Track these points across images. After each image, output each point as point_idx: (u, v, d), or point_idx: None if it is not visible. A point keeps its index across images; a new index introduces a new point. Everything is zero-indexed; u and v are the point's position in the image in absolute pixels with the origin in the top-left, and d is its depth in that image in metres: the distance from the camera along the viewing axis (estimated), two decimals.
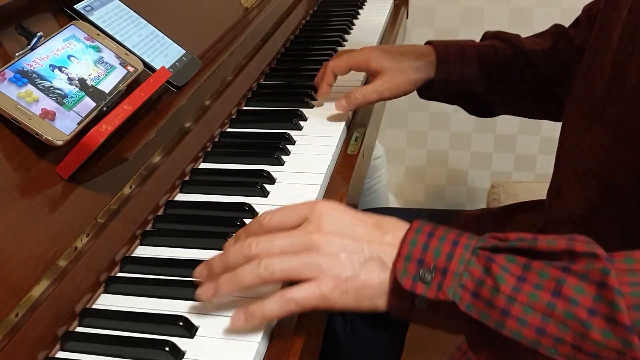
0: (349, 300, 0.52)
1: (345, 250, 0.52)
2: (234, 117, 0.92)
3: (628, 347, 0.44)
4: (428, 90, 0.92)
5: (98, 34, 0.72)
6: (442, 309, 0.50)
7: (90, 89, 0.66)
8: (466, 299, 0.49)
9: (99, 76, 0.68)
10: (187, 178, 0.78)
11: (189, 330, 0.55)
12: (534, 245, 0.49)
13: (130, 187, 0.67)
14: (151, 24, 0.81)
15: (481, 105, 0.96)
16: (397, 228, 0.54)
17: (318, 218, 0.54)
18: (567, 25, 0.93)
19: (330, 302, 0.52)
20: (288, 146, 0.83)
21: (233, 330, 0.54)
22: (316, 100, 0.95)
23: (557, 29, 0.93)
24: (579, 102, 0.72)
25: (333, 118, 0.89)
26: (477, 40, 0.96)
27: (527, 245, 0.49)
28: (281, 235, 0.54)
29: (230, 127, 0.90)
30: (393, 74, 0.87)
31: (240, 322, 0.53)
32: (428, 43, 0.93)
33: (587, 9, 0.90)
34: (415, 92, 0.94)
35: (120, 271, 0.64)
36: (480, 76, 0.91)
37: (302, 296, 0.52)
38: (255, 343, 0.53)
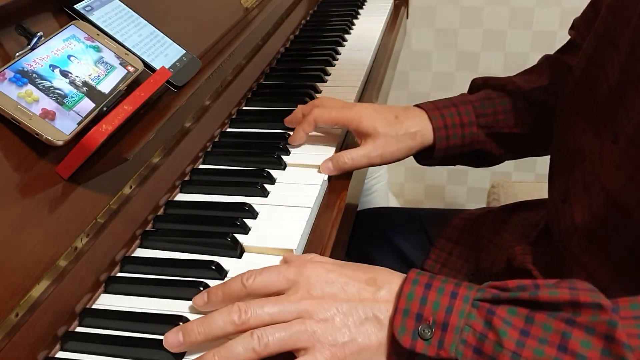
0: None
1: (339, 314, 0.50)
2: (234, 117, 0.92)
3: None
4: (427, 158, 0.86)
5: (98, 34, 0.72)
6: None
7: (91, 89, 0.66)
8: (469, 356, 0.47)
9: (99, 76, 0.68)
10: (187, 178, 0.78)
11: None
12: (535, 296, 0.47)
13: (130, 187, 0.67)
14: (151, 24, 0.81)
15: (487, 159, 0.91)
16: (391, 281, 0.52)
17: (307, 282, 0.52)
18: (567, 27, 0.91)
19: None
20: (288, 146, 0.82)
21: None
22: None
23: (550, 61, 0.89)
24: (584, 109, 0.71)
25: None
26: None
27: (529, 296, 0.47)
28: (271, 301, 0.51)
29: (230, 127, 0.90)
30: (387, 140, 0.79)
31: None
32: (418, 106, 0.85)
33: (579, 24, 0.86)
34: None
35: (120, 271, 0.64)
36: (481, 134, 0.85)
37: None
38: None
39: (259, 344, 0.49)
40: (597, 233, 0.65)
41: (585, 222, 0.67)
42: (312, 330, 0.49)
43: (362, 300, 0.51)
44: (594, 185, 0.66)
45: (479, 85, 0.90)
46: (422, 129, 0.82)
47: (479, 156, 0.89)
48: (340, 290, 0.51)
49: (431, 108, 0.83)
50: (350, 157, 0.77)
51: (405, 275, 0.52)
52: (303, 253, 0.65)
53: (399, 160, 0.82)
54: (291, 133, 0.85)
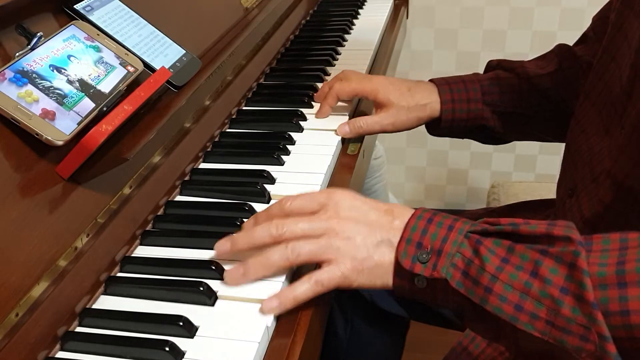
0: (365, 278, 0.58)
1: (360, 234, 0.58)
2: (234, 117, 0.92)
3: (593, 322, 0.48)
4: (436, 129, 0.93)
5: (98, 34, 0.72)
6: (438, 286, 0.56)
7: (90, 89, 0.66)
8: (457, 277, 0.54)
9: (99, 76, 0.68)
10: (187, 178, 0.78)
11: (189, 330, 0.55)
12: (516, 229, 0.54)
13: (130, 187, 0.67)
14: (151, 24, 0.81)
15: (492, 137, 0.96)
16: (405, 214, 0.59)
17: (335, 205, 0.60)
18: (567, 27, 0.92)
19: (349, 280, 0.58)
20: (288, 146, 0.83)
21: (270, 312, 0.57)
22: (306, 121, 0.91)
23: (561, 48, 0.92)
24: (598, 104, 0.72)
25: (333, 121, 0.89)
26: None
27: (511, 229, 0.54)
28: (304, 219, 0.60)
29: (230, 127, 0.90)
30: (398, 110, 0.88)
31: (274, 306, 0.57)
32: (431, 81, 0.93)
33: (597, 19, 0.89)
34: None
35: (120, 271, 0.64)
36: (486, 110, 0.91)
37: (326, 277, 0.57)
38: (255, 343, 0.53)
39: (292, 253, 0.58)
40: (604, 222, 0.66)
41: (593, 212, 0.67)
42: (337, 245, 0.58)
43: (380, 226, 0.59)
44: (602, 175, 0.67)
45: (493, 66, 0.95)
46: (431, 102, 0.90)
47: (483, 132, 0.94)
48: (363, 215, 0.60)
49: (442, 83, 0.91)
50: (366, 122, 0.87)
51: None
52: None
53: (409, 129, 0.91)
54: (291, 133, 0.85)
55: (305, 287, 0.57)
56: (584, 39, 0.92)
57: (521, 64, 0.92)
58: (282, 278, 0.60)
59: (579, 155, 0.74)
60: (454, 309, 0.57)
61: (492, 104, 0.91)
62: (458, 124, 0.91)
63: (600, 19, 0.88)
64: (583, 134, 0.75)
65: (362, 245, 0.58)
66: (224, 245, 0.61)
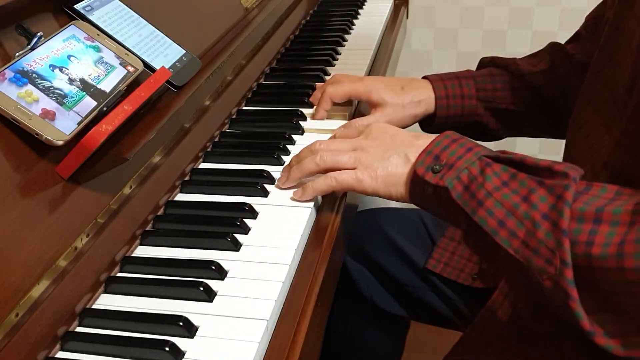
0: (378, 185, 0.68)
1: (380, 148, 0.69)
2: (234, 117, 0.92)
3: (559, 247, 0.52)
4: (430, 125, 0.94)
5: (98, 34, 0.72)
6: (442, 196, 0.62)
7: (90, 89, 0.66)
8: (458, 189, 0.60)
9: (99, 76, 0.68)
10: (187, 178, 0.78)
11: (189, 330, 0.55)
12: (523, 159, 0.59)
13: (130, 187, 0.67)
14: (151, 24, 0.81)
15: (485, 132, 0.97)
16: (431, 137, 0.66)
17: (369, 129, 0.72)
18: (567, 27, 0.93)
19: (362, 184, 0.68)
20: (288, 146, 0.83)
21: (294, 199, 0.71)
22: (306, 121, 0.91)
23: (553, 47, 0.93)
24: (595, 103, 0.72)
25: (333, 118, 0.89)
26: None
27: (519, 159, 0.59)
28: (339, 139, 0.74)
29: (230, 127, 0.90)
30: (394, 108, 0.89)
31: (298, 194, 0.71)
32: (425, 78, 0.93)
33: (589, 19, 0.90)
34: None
35: (120, 271, 0.64)
36: (479, 107, 0.92)
37: (341, 176, 0.69)
38: (255, 343, 0.53)
39: (320, 160, 0.70)
40: None
41: None
42: (359, 158, 0.69)
43: (402, 142, 0.69)
44: (603, 169, 0.67)
45: (485, 63, 0.97)
46: (425, 98, 0.91)
47: (477, 128, 0.96)
48: (390, 136, 0.70)
49: (436, 79, 0.93)
50: (360, 123, 0.87)
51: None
52: (304, 253, 0.65)
53: (405, 127, 0.91)
54: (291, 133, 0.85)
55: (322, 181, 0.69)
56: (576, 37, 0.92)
57: (514, 61, 0.93)
58: (283, 277, 0.60)
59: (578, 154, 0.74)
60: (452, 222, 0.63)
61: (486, 100, 0.92)
62: (453, 119, 0.92)
63: (593, 18, 0.88)
64: (581, 133, 0.75)
65: (380, 157, 0.68)
66: (283, 168, 0.75)
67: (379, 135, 0.71)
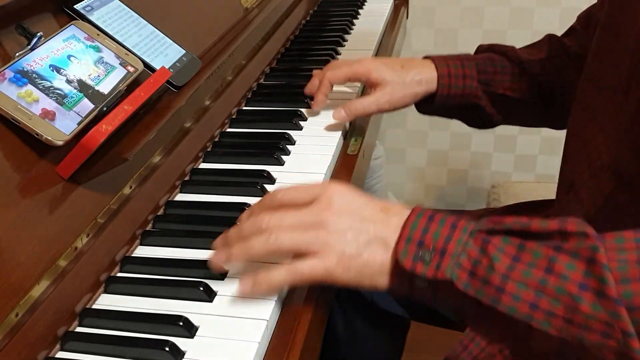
0: (351, 276, 0.55)
1: (351, 229, 0.55)
2: (234, 117, 0.92)
3: (616, 318, 0.47)
4: (427, 105, 0.92)
5: (98, 34, 0.72)
6: (441, 287, 0.53)
7: (90, 89, 0.66)
8: (463, 278, 0.51)
9: (99, 76, 0.68)
10: (187, 178, 0.78)
11: (189, 330, 0.55)
12: (527, 227, 0.51)
13: (130, 187, 0.67)
14: (151, 24, 0.81)
15: (481, 117, 0.96)
16: (403, 213, 0.56)
17: (329, 198, 0.57)
18: (567, 27, 0.94)
19: (333, 276, 0.55)
20: (288, 146, 0.83)
21: (243, 294, 0.57)
22: (311, 108, 0.93)
23: (551, 38, 0.94)
24: (587, 101, 0.72)
25: (331, 127, 0.88)
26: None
27: (521, 227, 0.52)
28: (293, 211, 0.57)
29: (230, 127, 0.90)
30: (394, 87, 0.87)
31: (248, 288, 0.57)
32: (426, 57, 0.92)
33: (581, 17, 0.90)
34: None
35: (120, 271, 0.64)
36: (480, 89, 0.92)
37: (307, 268, 0.55)
38: (255, 343, 0.53)
39: (275, 241, 0.55)
40: (605, 217, 0.66)
41: (594, 206, 0.68)
42: (325, 238, 0.55)
43: (375, 222, 0.56)
44: (601, 169, 0.67)
45: (484, 49, 0.96)
46: (427, 77, 0.89)
47: (474, 112, 0.94)
48: (357, 210, 0.57)
49: (438, 58, 0.91)
50: (362, 104, 0.86)
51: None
52: None
53: (405, 106, 0.89)
54: (291, 133, 0.85)
55: (282, 274, 0.55)
56: (571, 31, 0.93)
57: (512, 49, 0.93)
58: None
59: (574, 151, 0.74)
60: (453, 309, 0.56)
61: (486, 82, 0.91)
62: (452, 100, 0.91)
63: (585, 16, 0.89)
64: (575, 129, 0.75)
65: (353, 241, 0.55)
66: (218, 241, 0.60)
67: (342, 206, 0.57)
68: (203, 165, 0.81)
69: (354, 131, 0.89)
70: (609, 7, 0.71)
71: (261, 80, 1.04)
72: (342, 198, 0.58)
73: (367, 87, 0.90)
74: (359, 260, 0.55)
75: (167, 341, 0.53)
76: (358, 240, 0.55)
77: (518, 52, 0.93)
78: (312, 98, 0.95)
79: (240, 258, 0.57)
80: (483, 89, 0.92)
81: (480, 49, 0.97)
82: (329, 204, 0.57)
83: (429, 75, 0.89)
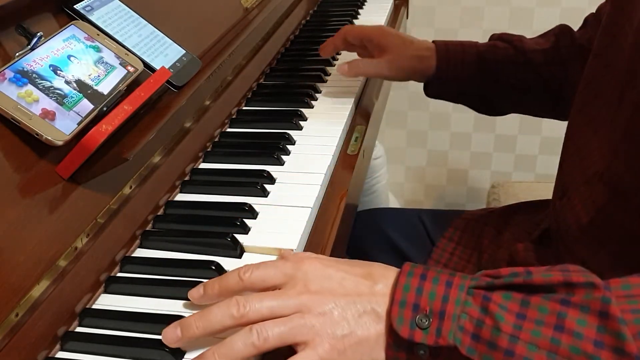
0: (349, 358, 0.50)
1: (337, 308, 0.51)
2: (234, 117, 0.92)
3: None
4: (432, 87, 0.97)
5: (98, 34, 0.72)
6: (443, 354, 0.49)
7: (90, 89, 0.66)
8: (467, 342, 0.47)
9: (99, 76, 0.68)
10: (187, 178, 0.78)
11: None
12: (529, 280, 0.48)
13: (130, 187, 0.67)
14: (151, 24, 0.81)
15: (485, 104, 0.98)
16: (387, 275, 0.52)
17: (304, 276, 0.52)
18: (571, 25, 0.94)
19: None
20: (288, 146, 0.82)
21: None
22: (316, 100, 0.95)
23: (561, 28, 0.94)
24: (585, 109, 0.72)
25: (336, 114, 0.89)
26: (477, 38, 0.98)
27: (523, 281, 0.48)
28: (270, 295, 0.51)
29: (230, 127, 0.90)
30: (397, 56, 0.92)
31: None
32: (433, 42, 0.96)
33: (599, 9, 0.90)
34: (415, 93, 0.95)
35: (120, 271, 0.64)
36: (478, 74, 0.93)
37: None
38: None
39: (259, 338, 0.49)
40: (596, 225, 0.66)
41: (587, 214, 0.67)
42: (311, 324, 0.50)
43: (360, 294, 0.51)
44: (594, 178, 0.66)
45: (495, 38, 0.98)
46: (428, 56, 0.94)
47: (478, 98, 0.98)
48: (338, 284, 0.52)
49: (440, 43, 0.96)
50: (363, 62, 0.93)
51: (400, 268, 0.52)
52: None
53: (402, 79, 0.95)
54: (291, 133, 0.85)
55: None
56: (585, 23, 0.93)
57: (519, 38, 0.95)
58: None
59: (570, 155, 0.74)
60: None
61: (486, 70, 0.94)
62: (452, 83, 0.95)
63: (600, 9, 0.89)
64: (570, 135, 0.75)
65: (341, 319, 0.50)
66: (172, 332, 0.51)
67: (320, 284, 0.52)
68: (203, 165, 0.81)
69: (355, 129, 0.89)
70: (611, 6, 0.71)
71: (261, 80, 1.04)
72: (319, 274, 0.53)
73: (374, 51, 0.95)
74: (352, 339, 0.50)
75: None
76: (347, 318, 0.50)
77: (525, 41, 0.94)
78: (313, 97, 0.96)
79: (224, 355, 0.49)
80: (482, 75, 0.94)
81: (492, 38, 0.99)
82: (305, 283, 0.52)
83: (431, 56, 0.94)
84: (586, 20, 0.93)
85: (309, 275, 0.52)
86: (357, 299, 0.51)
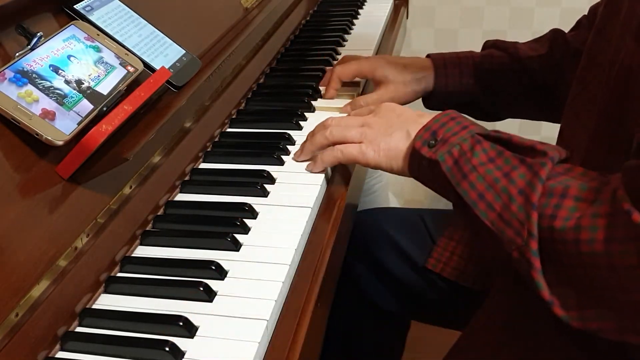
0: (380, 159, 0.72)
1: (385, 125, 0.73)
2: (234, 117, 0.92)
3: (527, 219, 0.56)
4: (430, 101, 0.99)
5: (98, 34, 0.72)
6: (434, 169, 0.65)
7: (90, 89, 0.66)
8: (448, 163, 0.64)
9: (99, 76, 0.68)
10: (187, 178, 0.78)
11: (189, 330, 0.55)
12: (509, 138, 0.63)
13: (130, 187, 0.67)
14: (151, 24, 0.81)
15: (483, 112, 1.00)
16: (434, 115, 0.69)
17: (379, 107, 0.76)
18: (567, 27, 0.94)
19: (365, 157, 0.72)
20: (288, 146, 0.82)
21: (298, 158, 0.79)
22: (317, 100, 0.96)
23: (555, 33, 0.95)
24: (573, 102, 0.73)
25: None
26: (477, 38, 0.98)
27: (506, 137, 0.63)
28: (350, 116, 0.79)
29: (230, 127, 0.90)
30: (396, 85, 0.94)
31: (310, 167, 0.76)
32: (428, 56, 0.98)
33: (592, 9, 0.90)
34: None
35: (120, 271, 0.64)
36: (477, 85, 0.96)
37: (347, 149, 0.73)
38: (255, 343, 0.53)
39: (330, 134, 0.75)
40: None
41: None
42: (365, 133, 0.73)
43: (406, 119, 0.72)
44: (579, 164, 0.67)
45: (489, 45, 1.01)
46: (425, 75, 0.97)
47: (475, 107, 1.00)
48: (397, 115, 0.74)
49: (437, 57, 0.98)
50: (365, 100, 0.92)
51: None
52: (304, 253, 0.65)
53: (407, 103, 0.96)
54: (291, 132, 0.85)
55: (329, 152, 0.74)
56: (577, 25, 0.94)
57: (514, 45, 0.96)
58: (283, 277, 0.60)
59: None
60: (444, 194, 0.67)
61: (483, 79, 0.96)
62: (451, 96, 0.97)
63: (593, 11, 0.89)
64: (562, 133, 0.75)
65: (384, 132, 0.72)
66: (296, 155, 0.79)
67: (386, 113, 0.75)
68: (203, 165, 0.81)
69: None
70: (604, 8, 0.71)
71: (261, 80, 1.04)
72: (389, 107, 0.76)
73: (372, 83, 0.97)
74: (386, 145, 0.71)
75: (167, 341, 0.53)
76: (388, 131, 0.72)
77: (519, 48, 0.95)
78: (313, 97, 0.96)
79: (309, 149, 0.77)
80: (481, 85, 0.95)
81: (486, 45, 1.00)
82: (377, 112, 0.76)
83: (428, 73, 0.96)
84: (579, 22, 0.93)
85: (382, 106, 0.76)
86: (403, 124, 0.72)
